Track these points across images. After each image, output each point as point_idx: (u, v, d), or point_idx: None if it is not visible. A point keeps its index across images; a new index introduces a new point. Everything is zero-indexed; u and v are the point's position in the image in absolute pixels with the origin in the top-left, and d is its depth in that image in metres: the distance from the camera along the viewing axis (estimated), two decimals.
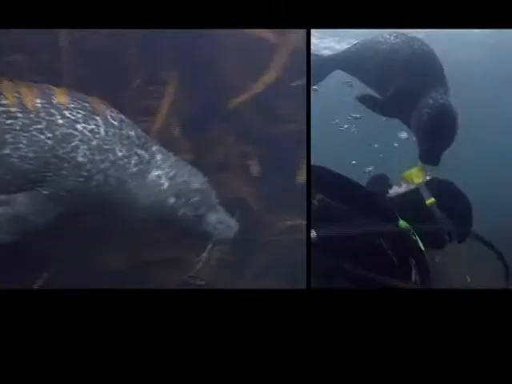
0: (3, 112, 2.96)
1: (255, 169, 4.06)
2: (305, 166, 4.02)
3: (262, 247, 4.15)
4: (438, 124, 4.70)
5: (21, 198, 3.01)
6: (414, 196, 3.04)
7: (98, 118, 3.16)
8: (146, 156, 3.30)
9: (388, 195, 3.10)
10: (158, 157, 3.36)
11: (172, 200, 3.32)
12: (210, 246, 3.39)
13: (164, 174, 3.31)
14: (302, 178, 4.04)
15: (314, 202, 2.65)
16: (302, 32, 3.94)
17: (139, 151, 3.27)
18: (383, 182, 3.24)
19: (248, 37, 3.78)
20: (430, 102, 4.76)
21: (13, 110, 2.96)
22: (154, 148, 3.38)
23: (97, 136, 3.10)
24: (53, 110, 3.06)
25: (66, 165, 3.03)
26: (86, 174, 3.06)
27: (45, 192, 3.05)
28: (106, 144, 3.13)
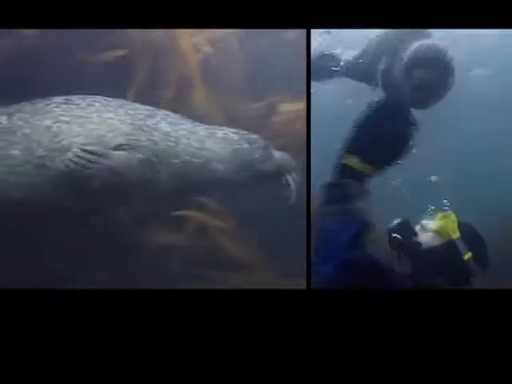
0: None
1: None
2: None
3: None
4: (421, 61, 4.10)
5: (117, 156, 3.45)
6: (451, 250, 2.95)
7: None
8: (206, 125, 3.91)
9: (421, 247, 3.00)
10: (215, 126, 3.97)
11: (246, 145, 3.90)
12: (288, 178, 3.96)
13: (229, 132, 3.91)
14: None
15: None
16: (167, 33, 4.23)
17: (199, 125, 3.90)
18: (407, 229, 3.08)
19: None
20: (415, 44, 4.18)
21: None
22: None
23: (170, 115, 3.81)
24: None
25: (156, 132, 3.63)
26: (173, 139, 3.66)
27: (138, 156, 3.51)
28: (177, 120, 3.81)
